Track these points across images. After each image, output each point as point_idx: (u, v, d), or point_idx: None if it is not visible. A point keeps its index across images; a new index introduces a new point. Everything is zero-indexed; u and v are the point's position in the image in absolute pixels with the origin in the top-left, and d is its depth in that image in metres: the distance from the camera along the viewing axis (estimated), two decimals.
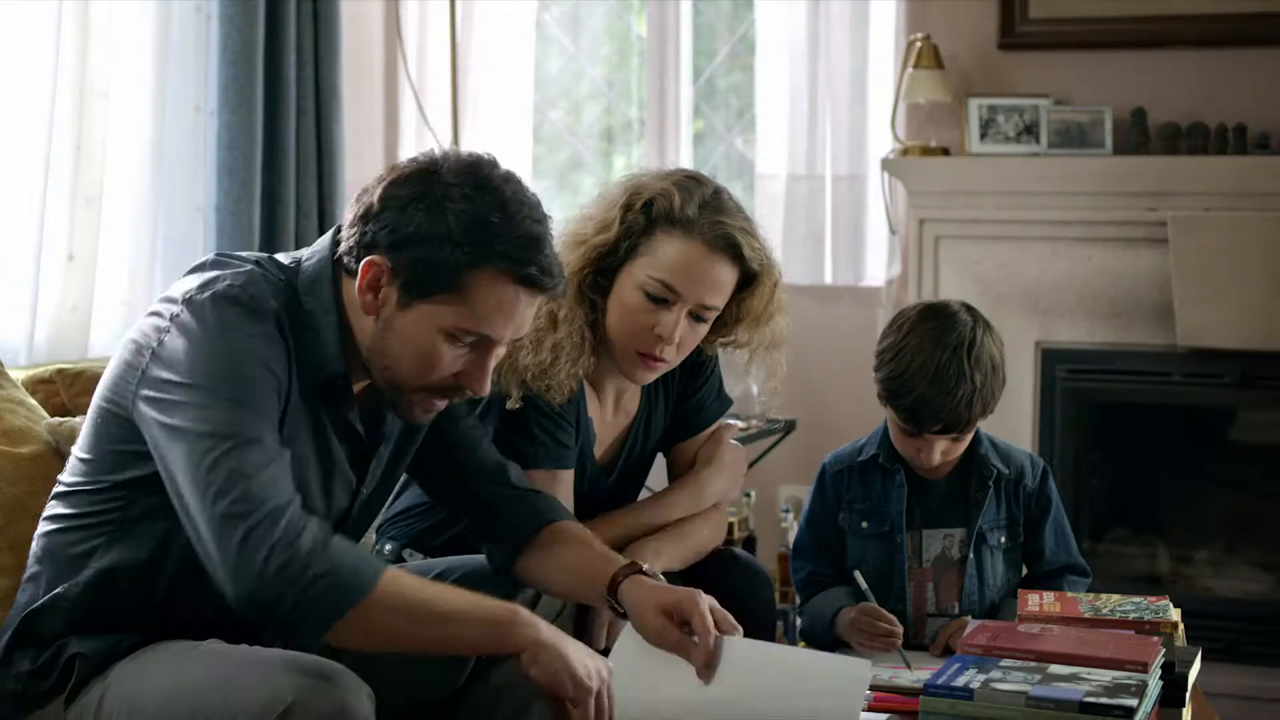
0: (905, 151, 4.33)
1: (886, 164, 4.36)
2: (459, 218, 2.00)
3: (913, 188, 4.34)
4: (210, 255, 2.14)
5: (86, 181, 3.41)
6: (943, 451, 2.71)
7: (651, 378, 2.60)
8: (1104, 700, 2.03)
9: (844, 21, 4.49)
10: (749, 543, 4.17)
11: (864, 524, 2.80)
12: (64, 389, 2.88)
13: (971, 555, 2.76)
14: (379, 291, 2.04)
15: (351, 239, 2.06)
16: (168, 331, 2.00)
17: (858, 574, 2.69)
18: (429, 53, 4.84)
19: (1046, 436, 4.31)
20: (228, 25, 3.79)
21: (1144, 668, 2.17)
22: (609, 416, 2.69)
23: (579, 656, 2.02)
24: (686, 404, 2.77)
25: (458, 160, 2.06)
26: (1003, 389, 2.72)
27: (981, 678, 2.11)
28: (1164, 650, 2.31)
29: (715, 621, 2.21)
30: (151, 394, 1.98)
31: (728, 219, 2.50)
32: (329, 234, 2.15)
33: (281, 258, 2.15)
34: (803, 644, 2.85)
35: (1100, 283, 4.21)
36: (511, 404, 2.51)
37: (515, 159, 4.79)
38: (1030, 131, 4.24)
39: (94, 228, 3.43)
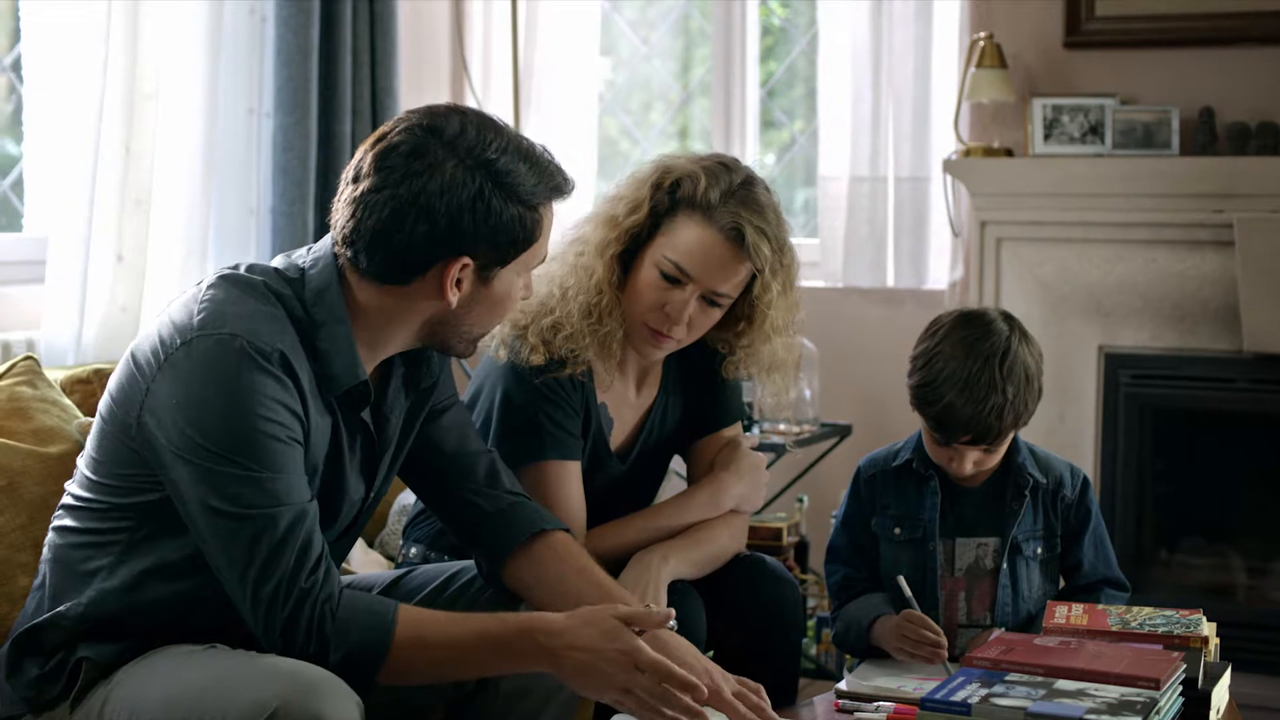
0: (967, 153, 4.27)
1: (948, 165, 4.29)
2: (509, 189, 2.07)
3: (974, 189, 4.27)
4: (224, 270, 2.13)
5: (136, 183, 3.43)
6: (975, 461, 2.66)
7: (659, 353, 2.62)
8: (1105, 718, 1.97)
9: (907, 21, 4.43)
10: (800, 548, 4.12)
11: (896, 530, 2.76)
12: (101, 389, 2.91)
13: (1005, 565, 2.70)
14: (460, 283, 2.10)
15: (393, 249, 2.05)
16: (166, 367, 2.00)
17: (901, 580, 2.64)
18: (493, 52, 4.85)
19: (1109, 443, 4.22)
20: (283, 27, 3.81)
21: (1155, 684, 2.11)
22: (631, 396, 2.70)
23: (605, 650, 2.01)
24: (708, 395, 2.75)
25: (459, 143, 2.06)
26: (1038, 401, 2.66)
27: (983, 692, 2.06)
28: (1184, 666, 2.25)
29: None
30: (168, 442, 1.99)
31: (747, 212, 2.51)
32: (327, 240, 2.15)
33: (286, 268, 2.14)
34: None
35: (1165, 286, 4.11)
36: (535, 358, 2.55)
37: (579, 159, 4.80)
38: (1095, 132, 4.16)
39: (143, 229, 3.46)
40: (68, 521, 2.14)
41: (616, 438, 2.70)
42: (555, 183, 2.14)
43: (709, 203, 2.51)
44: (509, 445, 2.54)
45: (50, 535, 2.17)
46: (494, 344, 2.61)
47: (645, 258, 2.56)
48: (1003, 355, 2.60)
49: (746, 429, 2.88)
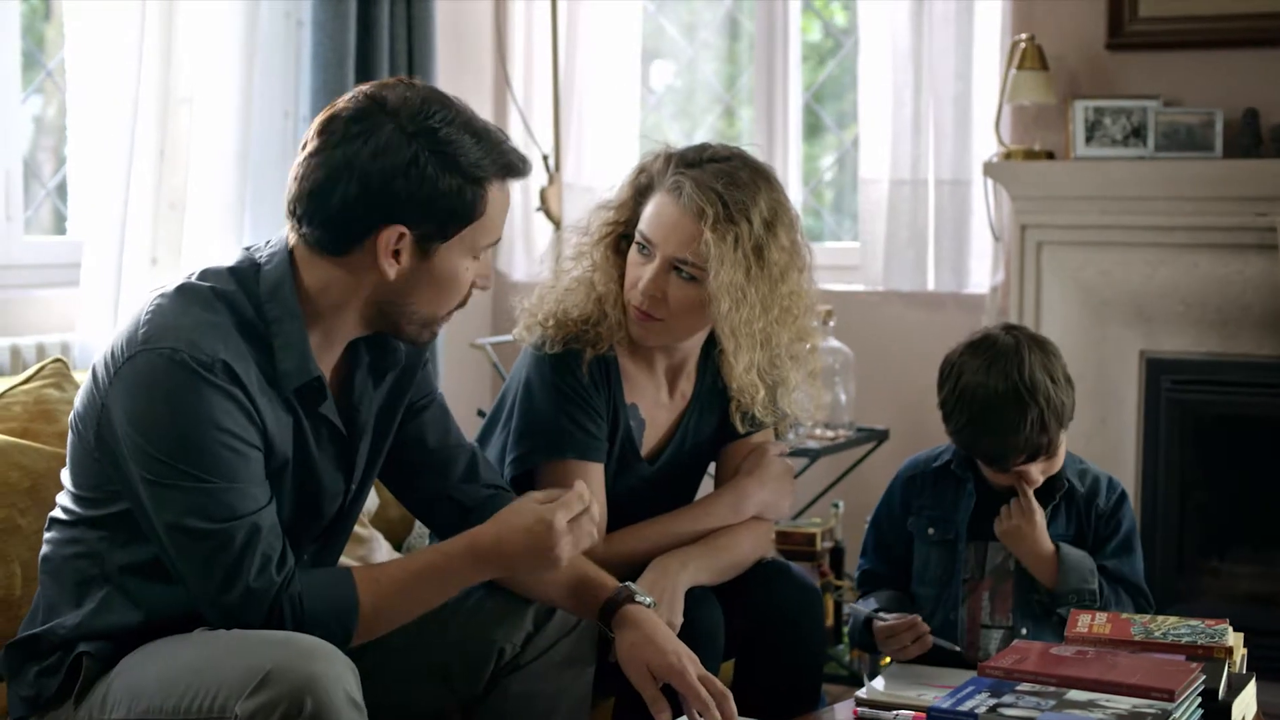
0: (1008, 155, 4.23)
1: (988, 168, 4.25)
2: (453, 160, 2.05)
3: (1015, 192, 4.23)
4: (181, 279, 2.12)
5: (170, 186, 3.46)
6: (1042, 470, 2.66)
7: (649, 337, 2.61)
8: None
9: (948, 22, 4.39)
10: (836, 554, 4.10)
11: (930, 530, 2.76)
12: None
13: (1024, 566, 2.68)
14: (399, 254, 2.08)
15: (335, 220, 2.05)
16: (116, 381, 2.02)
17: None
18: (535, 55, 4.85)
19: (1150, 449, 4.16)
20: (319, 31, 3.83)
21: (1170, 696, 2.07)
22: (664, 398, 2.70)
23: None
24: (728, 412, 2.72)
25: (404, 108, 2.06)
26: (1072, 394, 2.66)
27: (991, 702, 2.03)
28: (1203, 677, 2.21)
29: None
30: (125, 456, 2.02)
31: (692, 171, 2.54)
32: (285, 232, 2.15)
33: (241, 263, 2.14)
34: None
35: (1207, 290, 4.06)
36: (551, 349, 2.58)
37: (621, 158, 4.80)
38: (1138, 134, 4.11)
39: (178, 232, 3.49)
40: (56, 534, 2.16)
41: (649, 441, 2.70)
42: (505, 161, 2.12)
43: (663, 173, 2.58)
44: (530, 442, 2.55)
45: (44, 547, 2.19)
46: (518, 330, 2.66)
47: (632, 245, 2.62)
48: (1019, 368, 2.60)
49: (779, 436, 2.84)
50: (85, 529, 2.11)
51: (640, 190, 2.63)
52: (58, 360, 2.79)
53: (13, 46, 3.47)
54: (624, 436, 2.64)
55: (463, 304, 2.20)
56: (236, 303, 2.08)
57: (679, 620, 2.46)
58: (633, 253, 2.60)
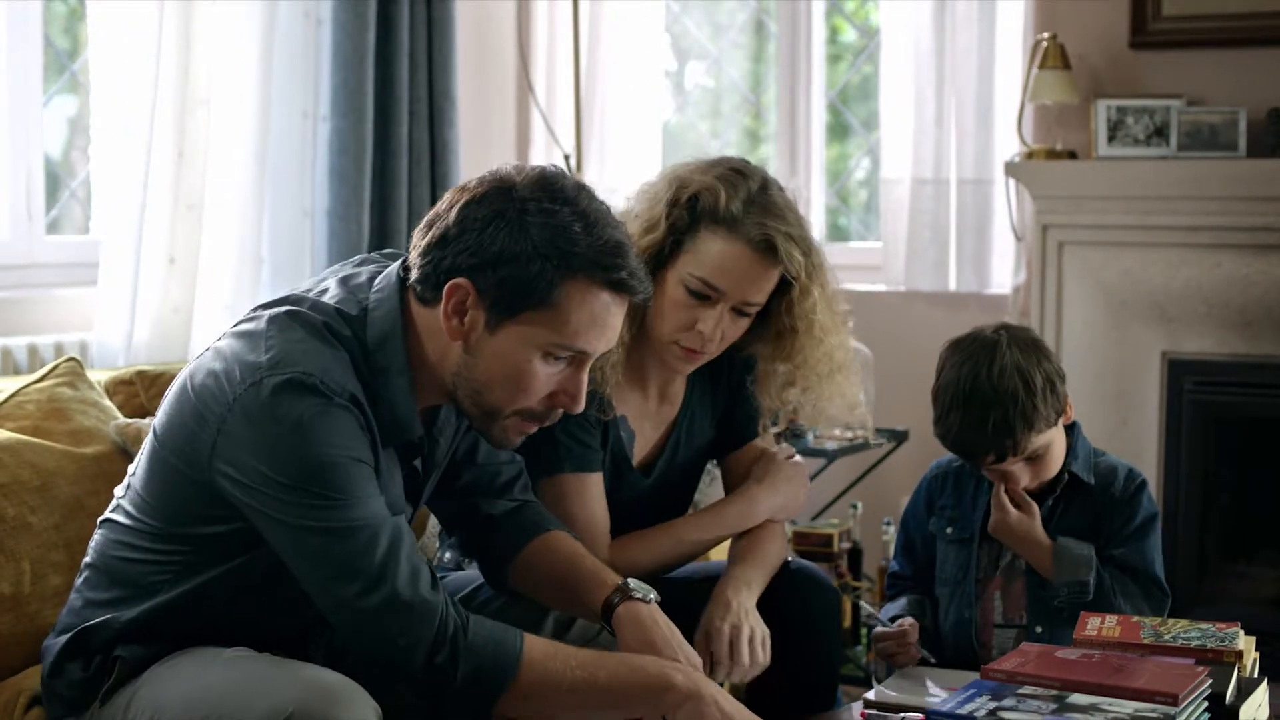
0: (1029, 155, 4.21)
1: (1009, 168, 4.23)
2: (542, 230, 1.96)
3: (1036, 192, 4.21)
4: (285, 305, 2.04)
5: (188, 186, 3.47)
6: (1029, 474, 2.63)
7: (692, 368, 2.56)
8: None
9: (970, 22, 4.38)
10: (854, 555, 4.09)
11: (949, 529, 2.75)
12: (143, 390, 2.95)
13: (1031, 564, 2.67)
14: (465, 316, 1.99)
15: (428, 265, 2.01)
16: (236, 409, 1.94)
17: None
18: (558, 54, 4.86)
19: (1172, 451, 4.14)
20: (339, 31, 3.84)
21: (1173, 700, 2.05)
22: (652, 407, 2.65)
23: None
24: (738, 409, 2.71)
25: (529, 175, 2.02)
26: (1050, 400, 2.58)
27: (991, 705, 2.02)
28: (1210, 681, 2.19)
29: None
30: (251, 485, 1.94)
31: (773, 220, 2.45)
32: (394, 270, 2.08)
33: (345, 302, 2.05)
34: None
35: (1230, 291, 4.03)
36: None
37: (644, 159, 4.80)
38: (1160, 133, 4.08)
39: (196, 232, 3.50)
40: (122, 536, 2.11)
41: (639, 451, 2.66)
42: (608, 264, 1.98)
43: (732, 215, 2.43)
44: (526, 459, 2.52)
45: (99, 539, 2.15)
46: None
47: (668, 277, 2.48)
48: (989, 366, 2.57)
49: (793, 441, 2.83)
50: (161, 540, 2.06)
51: (689, 214, 2.47)
52: (71, 359, 2.80)
53: (35, 48, 3.49)
54: (614, 448, 2.60)
55: (539, 416, 2.06)
56: (349, 345, 2.01)
57: (765, 631, 2.44)
58: (678, 293, 2.46)
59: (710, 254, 2.45)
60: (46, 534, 2.48)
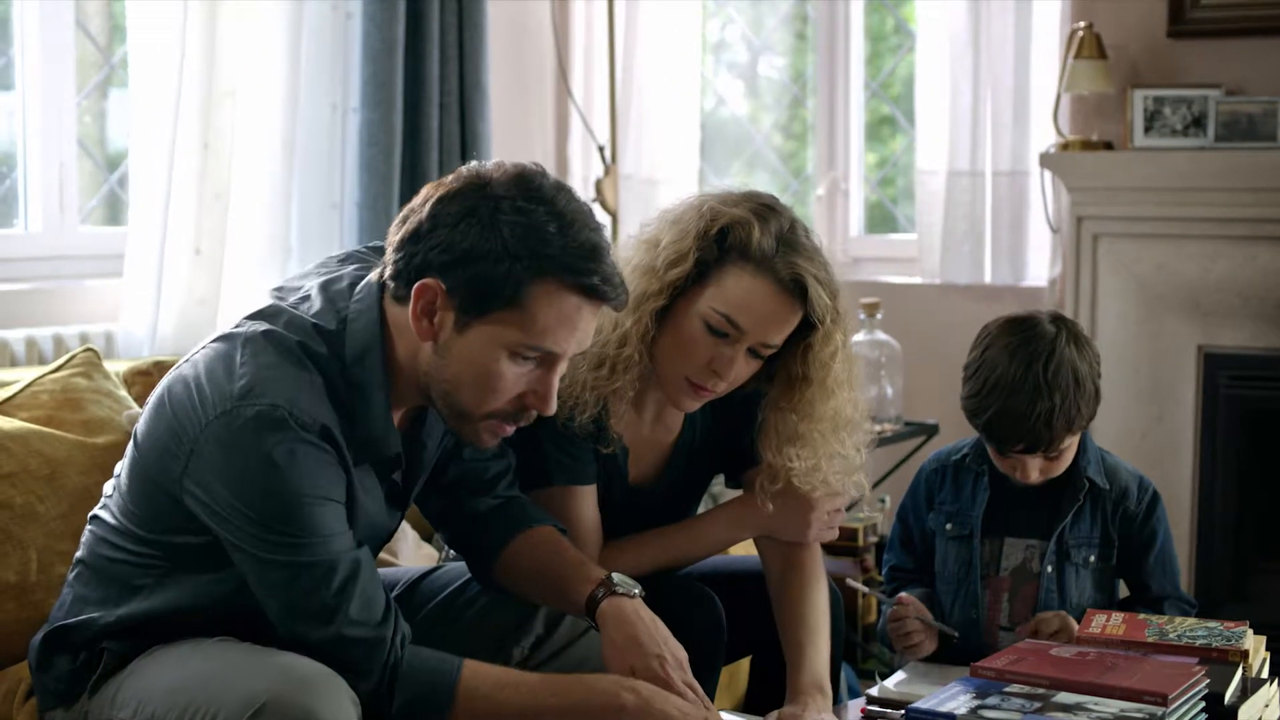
0: (1065, 146, 4.16)
1: (1044, 159, 4.19)
2: (514, 229, 1.94)
3: (1071, 184, 4.16)
4: (259, 324, 2.02)
5: (214, 178, 3.50)
6: (1040, 470, 2.59)
7: (696, 406, 2.46)
8: None
9: (1006, 11, 4.34)
10: (880, 549, 4.05)
11: (948, 525, 2.71)
12: (160, 380, 2.98)
13: (1050, 569, 2.62)
14: (435, 315, 1.98)
15: (400, 262, 2.00)
16: (208, 435, 1.94)
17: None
18: (595, 44, 4.85)
19: (1208, 446, 4.08)
20: (369, 23, 3.85)
21: (1162, 700, 2.02)
22: (645, 431, 2.56)
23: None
24: (747, 435, 2.58)
25: (506, 172, 2.00)
26: (1093, 405, 2.56)
27: (974, 703, 2.00)
28: (1206, 681, 2.16)
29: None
30: (217, 510, 1.95)
31: (804, 261, 2.35)
32: (374, 277, 2.06)
33: (322, 314, 2.03)
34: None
35: (1266, 284, 3.96)
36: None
37: (681, 151, 4.79)
38: (1198, 124, 4.02)
39: (221, 223, 3.52)
40: (108, 535, 2.13)
41: (634, 467, 2.57)
42: (581, 268, 1.96)
43: (763, 252, 2.32)
44: (517, 470, 2.48)
45: (88, 536, 2.17)
46: None
47: (686, 310, 2.37)
48: (1047, 359, 2.51)
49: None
50: (140, 544, 2.08)
51: (718, 246, 2.36)
52: (88, 349, 2.83)
53: (68, 42, 3.53)
54: (608, 463, 2.52)
55: (512, 417, 2.05)
56: (324, 364, 2.00)
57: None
58: (696, 328, 2.36)
59: (737, 290, 2.34)
60: (54, 523, 2.50)
